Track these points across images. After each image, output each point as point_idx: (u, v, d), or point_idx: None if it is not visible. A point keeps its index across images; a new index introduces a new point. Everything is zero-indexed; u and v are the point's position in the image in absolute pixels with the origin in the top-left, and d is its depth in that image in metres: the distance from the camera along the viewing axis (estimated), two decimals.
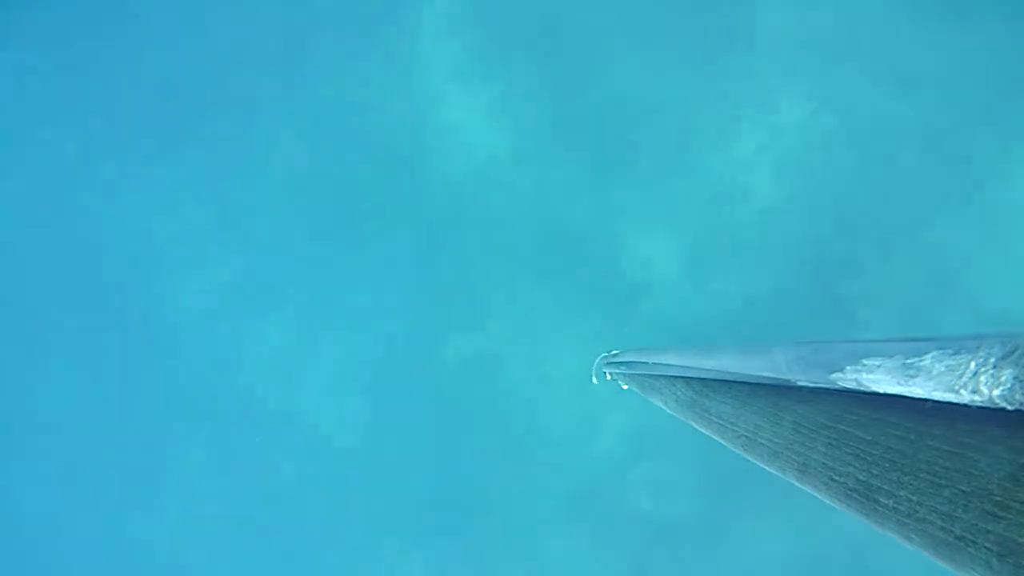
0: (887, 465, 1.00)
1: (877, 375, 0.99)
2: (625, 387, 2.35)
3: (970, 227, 9.61)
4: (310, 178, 10.38)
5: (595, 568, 9.82)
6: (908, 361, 0.94)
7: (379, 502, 10.36)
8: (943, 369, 0.87)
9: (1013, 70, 9.28)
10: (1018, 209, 9.39)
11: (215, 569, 10.54)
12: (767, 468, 1.37)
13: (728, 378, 1.48)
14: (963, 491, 0.87)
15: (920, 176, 9.68)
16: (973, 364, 0.83)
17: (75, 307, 10.50)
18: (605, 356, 2.44)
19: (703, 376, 1.64)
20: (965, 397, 0.84)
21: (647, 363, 2.06)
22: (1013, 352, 0.79)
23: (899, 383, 0.95)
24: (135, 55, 10.59)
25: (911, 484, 0.96)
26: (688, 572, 9.58)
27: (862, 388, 1.03)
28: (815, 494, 1.20)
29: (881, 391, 0.99)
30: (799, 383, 1.20)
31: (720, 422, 1.54)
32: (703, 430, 1.66)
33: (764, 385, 1.32)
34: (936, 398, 0.88)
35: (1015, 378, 0.78)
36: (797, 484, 1.26)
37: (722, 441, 1.55)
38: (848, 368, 1.05)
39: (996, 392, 0.80)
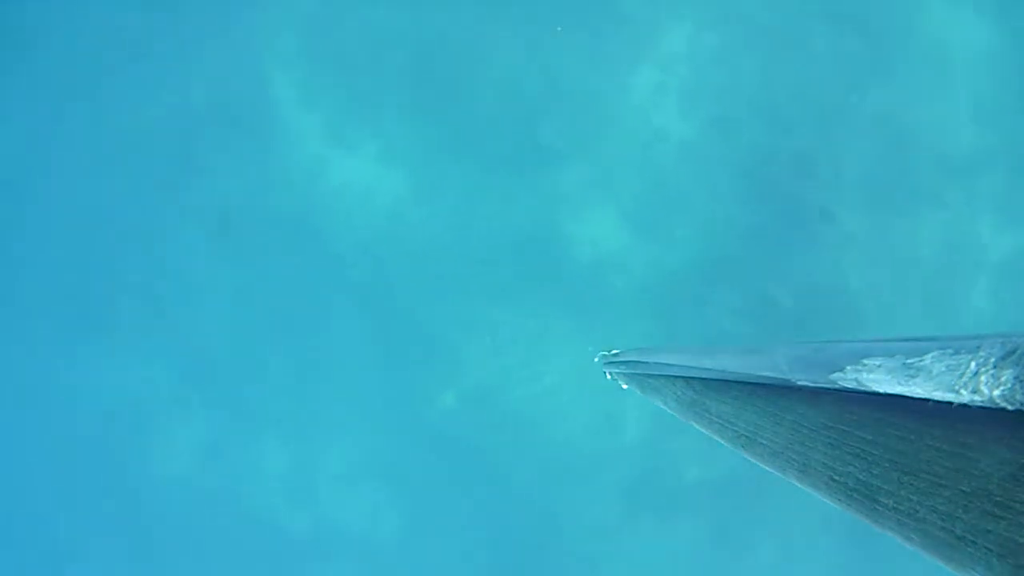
0: (887, 465, 1.03)
1: (877, 375, 1.02)
2: (625, 387, 2.40)
3: (905, 81, 9.84)
4: (244, 291, 10.44)
5: (678, 545, 10.03)
6: (908, 361, 0.96)
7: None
8: (943, 369, 0.90)
9: None
10: (942, 48, 9.64)
11: None
12: (767, 468, 1.40)
13: (728, 378, 1.51)
14: (963, 491, 0.90)
15: (837, 54, 9.87)
16: (973, 364, 0.85)
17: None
18: (605, 355, 2.48)
19: (703, 376, 1.67)
20: (965, 397, 0.86)
21: (647, 363, 2.10)
22: (1013, 352, 0.81)
23: (899, 383, 0.97)
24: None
25: (911, 484, 0.98)
26: (764, 519, 9.75)
27: (862, 388, 1.05)
28: (815, 494, 1.23)
29: (881, 391, 1.01)
30: (799, 383, 1.22)
31: (720, 422, 1.58)
32: (703, 430, 1.69)
33: (764, 385, 1.35)
34: (936, 398, 0.91)
35: (1015, 378, 0.80)
36: (798, 484, 1.29)
37: (722, 441, 1.59)
38: (848, 368, 1.08)
39: (996, 392, 0.82)
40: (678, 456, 9.99)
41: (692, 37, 10.41)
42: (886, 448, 1.03)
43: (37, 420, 10.44)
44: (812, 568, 10.09)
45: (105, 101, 10.59)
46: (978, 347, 0.86)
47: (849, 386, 1.08)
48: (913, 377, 0.95)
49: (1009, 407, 0.81)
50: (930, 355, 0.93)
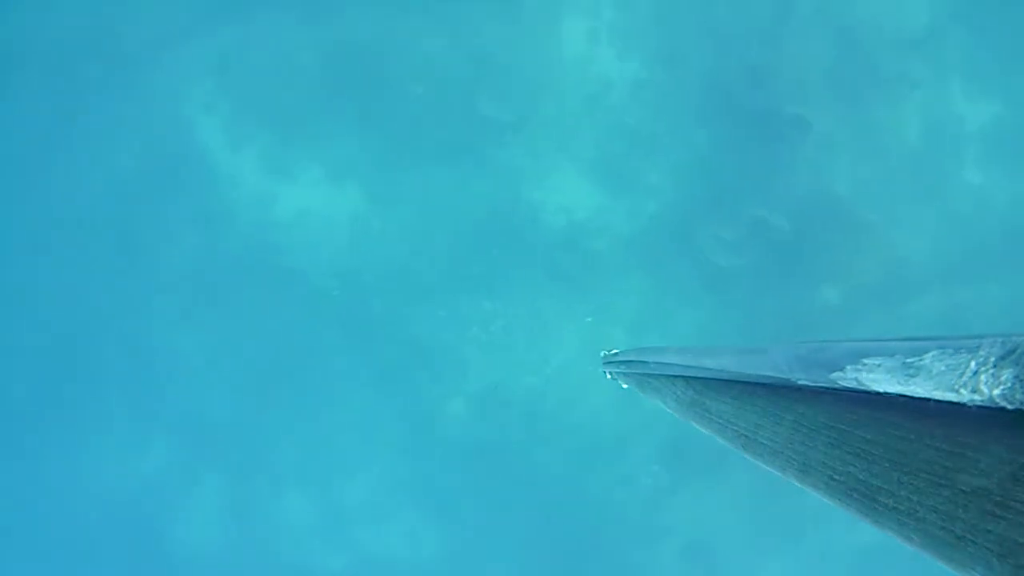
0: (887, 464, 1.05)
1: (877, 374, 1.05)
2: (625, 386, 2.43)
3: None
4: (228, 348, 10.52)
5: (733, 498, 10.26)
6: (908, 360, 0.98)
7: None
8: (943, 368, 0.92)
9: None
10: None
11: None
12: (767, 467, 1.42)
13: (728, 377, 1.54)
14: (963, 491, 0.92)
15: None
16: (973, 363, 0.87)
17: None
18: (605, 354, 2.50)
19: (703, 376, 1.71)
20: (965, 397, 0.88)
21: (647, 363, 2.14)
22: (1013, 352, 0.83)
23: (899, 383, 1.00)
24: None
25: (911, 484, 1.00)
26: None
27: (862, 387, 1.08)
28: (815, 494, 1.26)
29: (881, 390, 1.04)
30: (799, 382, 1.25)
31: (720, 421, 1.60)
32: (703, 429, 1.72)
33: (764, 385, 1.37)
34: (936, 397, 0.93)
35: (1015, 378, 0.82)
36: (798, 484, 1.31)
37: (722, 440, 1.61)
38: (848, 367, 1.10)
39: (996, 392, 0.84)
40: None
41: None
42: (886, 448, 1.05)
43: (59, 522, 10.54)
44: None
45: (41, 185, 10.60)
46: (978, 347, 0.88)
47: (849, 386, 1.10)
48: (913, 377, 0.97)
49: (1009, 407, 0.83)
50: (930, 355, 0.95)
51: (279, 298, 10.69)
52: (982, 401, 0.86)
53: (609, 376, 2.47)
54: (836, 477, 1.17)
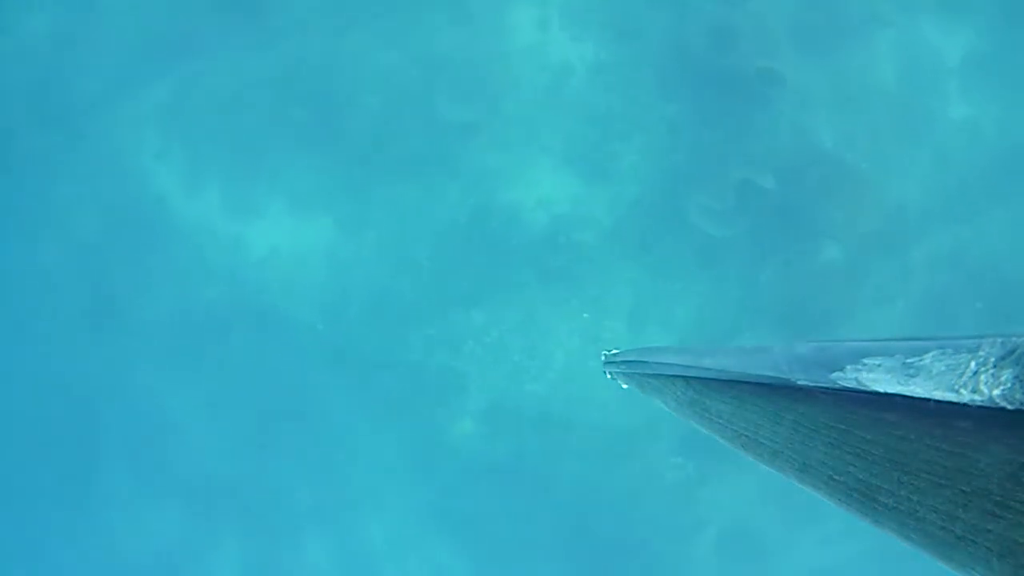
0: (887, 464, 1.08)
1: (877, 374, 1.08)
2: (625, 386, 2.47)
3: None
4: (224, 403, 10.63)
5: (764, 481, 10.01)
6: (908, 360, 1.02)
7: None
8: (943, 368, 0.95)
9: None
10: None
11: None
12: (768, 467, 1.47)
13: (728, 377, 1.57)
14: (963, 491, 0.95)
15: None
16: (973, 364, 0.91)
17: None
18: (606, 355, 2.55)
19: (703, 376, 1.74)
20: (965, 397, 0.91)
21: (646, 362, 2.18)
22: (1013, 352, 0.86)
23: (899, 382, 1.03)
24: None
25: (911, 484, 1.04)
26: None
27: (862, 387, 1.11)
28: (815, 493, 1.30)
29: (881, 390, 1.07)
30: (799, 382, 1.27)
31: (720, 421, 1.64)
32: (703, 429, 1.77)
33: (764, 385, 1.40)
34: (936, 397, 0.96)
35: (1015, 378, 0.85)
36: (798, 483, 1.36)
37: (722, 440, 1.66)
38: (848, 367, 1.13)
39: (996, 392, 0.87)
40: None
41: None
42: (886, 448, 1.08)
43: None
44: None
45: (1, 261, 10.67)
46: (978, 347, 0.91)
47: (849, 386, 1.13)
48: (913, 377, 1.00)
49: (1009, 407, 0.86)
50: (930, 354, 0.98)
51: (265, 341, 10.71)
52: (982, 401, 0.89)
53: (609, 376, 2.51)
54: (836, 477, 1.21)
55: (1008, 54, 10.24)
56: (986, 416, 0.90)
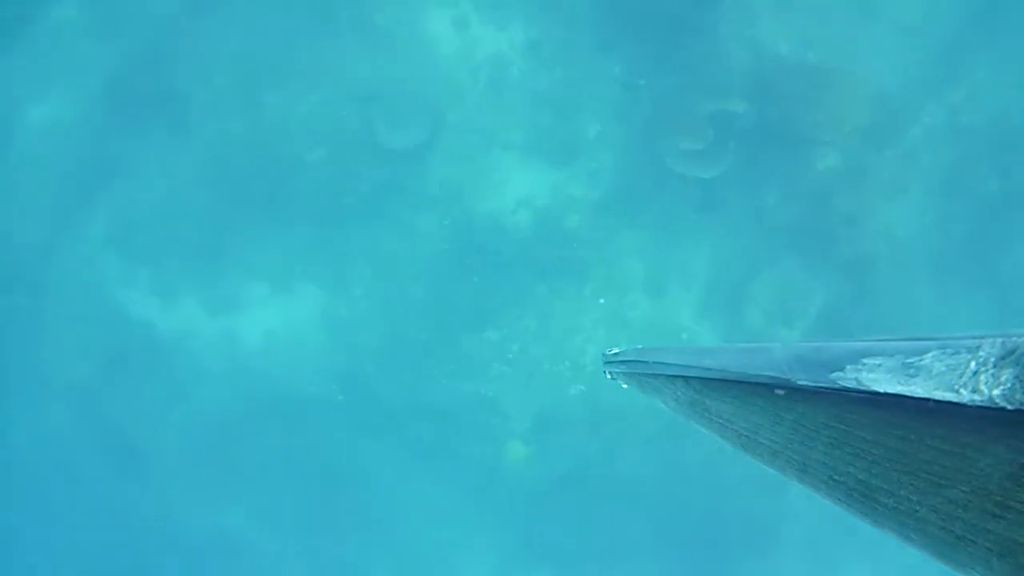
0: (887, 465, 1.11)
1: (877, 374, 1.09)
2: (625, 386, 2.55)
3: None
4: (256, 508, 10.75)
5: None
6: (908, 360, 1.04)
7: None
8: (943, 368, 0.97)
9: None
10: None
11: None
12: (768, 468, 1.50)
13: (728, 378, 1.59)
14: (963, 491, 0.97)
15: None
16: (973, 364, 0.92)
17: None
18: (605, 355, 2.58)
19: (702, 375, 1.76)
20: (965, 397, 0.93)
21: (646, 362, 2.22)
22: (1013, 352, 0.88)
23: (899, 382, 1.05)
24: None
25: (911, 484, 1.06)
26: None
27: (862, 387, 1.12)
28: (815, 493, 1.34)
29: (881, 390, 1.08)
30: (799, 382, 1.29)
31: (720, 421, 1.67)
32: (703, 429, 1.80)
33: (764, 384, 1.42)
34: (936, 397, 0.98)
35: (1015, 378, 0.86)
36: (798, 483, 1.39)
37: (722, 440, 1.69)
38: (848, 367, 1.15)
39: (996, 392, 0.89)
40: None
41: None
42: (886, 448, 1.11)
43: None
44: None
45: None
46: (978, 347, 0.92)
47: (849, 386, 1.15)
48: (913, 376, 1.02)
49: (1009, 407, 0.87)
50: (930, 354, 1.00)
51: (292, 429, 10.81)
52: (982, 401, 0.91)
53: (609, 377, 2.55)
54: (836, 477, 1.24)
55: None
56: (986, 416, 0.91)
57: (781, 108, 10.17)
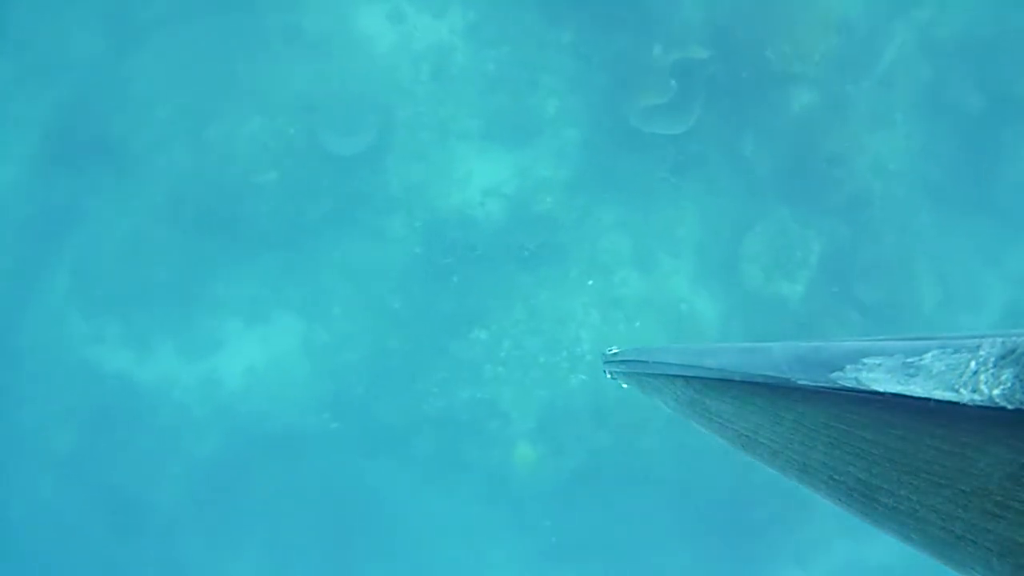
0: (887, 464, 1.15)
1: (877, 374, 1.13)
2: (625, 386, 2.64)
3: None
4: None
5: None
6: (908, 360, 1.07)
7: None
8: (943, 368, 1.00)
9: None
10: None
11: None
12: (767, 467, 1.55)
13: (728, 377, 1.65)
14: (963, 491, 1.00)
15: None
16: (973, 363, 0.96)
17: None
18: (605, 355, 2.68)
19: (702, 375, 1.82)
20: (965, 396, 0.96)
21: (646, 362, 2.28)
22: (1013, 351, 0.91)
23: (899, 382, 1.08)
24: None
25: (911, 483, 1.10)
26: None
27: (862, 387, 1.16)
28: (815, 493, 1.38)
29: (881, 390, 1.12)
30: (799, 382, 1.33)
31: (720, 421, 1.72)
32: (703, 429, 1.86)
33: (764, 384, 1.47)
34: (936, 397, 1.01)
35: (1015, 378, 0.90)
36: (798, 483, 1.44)
37: (722, 440, 1.75)
38: (848, 367, 1.19)
39: (996, 391, 0.92)
40: None
41: None
42: (886, 448, 1.15)
43: None
44: None
45: None
46: (978, 346, 0.96)
47: (849, 385, 1.19)
48: (913, 376, 1.06)
49: (1009, 406, 0.91)
50: (930, 354, 1.04)
51: (290, 464, 10.82)
52: (982, 401, 0.94)
53: (609, 376, 2.65)
54: (836, 477, 1.28)
55: None
56: (986, 416, 0.95)
57: (744, 49, 10.18)
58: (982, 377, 0.94)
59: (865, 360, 1.15)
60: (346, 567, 11.02)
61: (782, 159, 10.35)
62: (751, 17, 10.08)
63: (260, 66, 10.56)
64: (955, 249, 10.71)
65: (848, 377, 1.18)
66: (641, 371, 2.32)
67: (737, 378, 1.59)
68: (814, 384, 1.29)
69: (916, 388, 1.05)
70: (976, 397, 0.94)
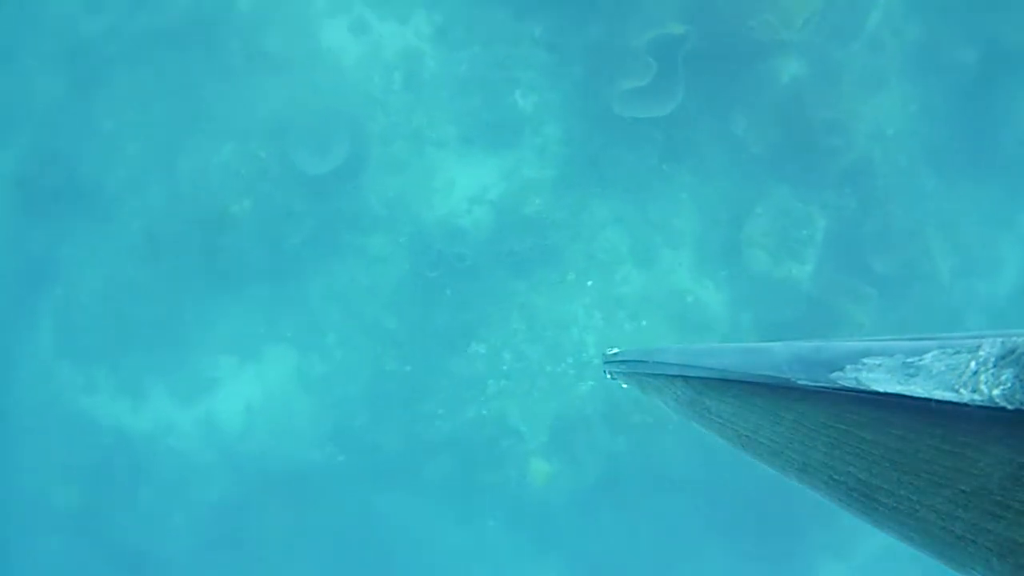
0: (887, 464, 1.19)
1: (877, 374, 1.17)
2: (625, 386, 2.74)
3: None
4: None
5: None
6: (908, 360, 1.11)
7: None
8: (943, 368, 1.04)
9: None
10: None
11: None
12: (767, 467, 1.61)
13: (728, 377, 1.70)
14: (963, 491, 1.05)
15: None
16: (973, 363, 0.99)
17: None
18: (605, 355, 2.80)
19: (703, 375, 1.88)
20: (965, 396, 1.00)
21: (646, 362, 2.36)
22: (1013, 351, 0.94)
23: (899, 382, 1.13)
24: None
25: (911, 484, 1.14)
26: None
27: (862, 387, 1.21)
28: (815, 493, 1.43)
29: (881, 390, 1.17)
30: (799, 382, 1.38)
31: (720, 421, 1.79)
32: (703, 429, 1.92)
33: (764, 384, 1.52)
34: (936, 397, 1.05)
35: (1015, 378, 0.93)
36: (798, 483, 1.49)
37: (723, 440, 1.82)
38: (848, 367, 1.24)
39: (996, 392, 0.95)
40: None
41: None
42: (886, 448, 1.19)
43: None
44: None
45: None
46: (978, 346, 0.99)
47: (849, 385, 1.24)
48: (913, 376, 1.10)
49: (1009, 406, 0.94)
50: (930, 354, 1.07)
51: (302, 504, 10.87)
52: (982, 401, 0.97)
53: (609, 377, 2.75)
54: (836, 477, 1.33)
55: None
56: (986, 416, 0.99)
57: (723, 20, 10.15)
58: (982, 377, 0.96)
59: (865, 360, 1.19)
60: None
61: (776, 135, 10.33)
62: None
63: (226, 92, 10.58)
64: (965, 212, 10.71)
65: (848, 377, 1.22)
66: (641, 371, 2.40)
67: (737, 378, 1.64)
68: (814, 384, 1.33)
69: (916, 388, 1.08)
70: (976, 397, 0.97)
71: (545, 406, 10.55)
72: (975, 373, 0.98)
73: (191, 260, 10.68)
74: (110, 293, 10.84)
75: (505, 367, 10.53)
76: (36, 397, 11.04)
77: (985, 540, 1.01)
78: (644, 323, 10.39)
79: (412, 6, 10.54)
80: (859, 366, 1.20)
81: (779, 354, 1.46)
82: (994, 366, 0.95)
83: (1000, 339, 0.96)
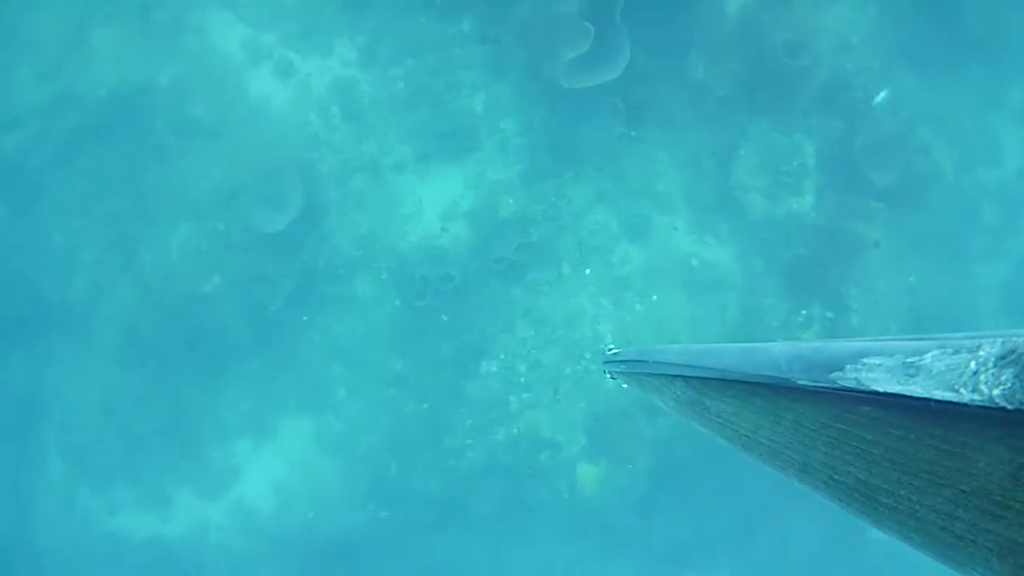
0: (887, 464, 1.24)
1: (877, 374, 1.23)
2: (625, 386, 2.87)
3: None
4: None
5: None
6: (908, 360, 1.16)
7: None
8: (943, 368, 1.09)
9: None
10: None
11: None
12: (767, 467, 1.67)
13: (728, 377, 1.77)
14: (963, 491, 1.09)
15: None
16: (973, 363, 1.04)
17: None
18: (605, 355, 2.93)
19: (702, 375, 1.95)
20: (965, 396, 1.04)
21: (646, 362, 2.46)
22: (1013, 351, 0.98)
23: (899, 382, 1.18)
24: None
25: (911, 484, 1.19)
26: None
27: (862, 387, 1.26)
28: (815, 493, 1.48)
29: (881, 390, 1.22)
30: (799, 382, 1.44)
31: (720, 421, 1.86)
32: (703, 429, 2.01)
33: (764, 384, 1.59)
34: (936, 397, 1.10)
35: (1015, 378, 0.97)
36: (798, 483, 1.55)
37: (723, 440, 1.88)
38: (848, 367, 1.29)
39: (996, 392, 0.99)
40: None
41: None
42: (886, 448, 1.24)
43: None
44: None
45: None
46: (978, 346, 1.04)
47: (849, 385, 1.29)
48: (913, 376, 1.15)
49: (1009, 406, 0.98)
50: (930, 354, 1.12)
51: (355, 569, 10.90)
52: (982, 401, 1.02)
53: (610, 377, 2.88)
54: (836, 477, 1.38)
55: None
56: (986, 416, 1.03)
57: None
58: (982, 377, 1.01)
59: (865, 360, 1.25)
60: None
61: (739, 70, 10.30)
62: None
63: (167, 173, 10.62)
64: (952, 102, 10.71)
65: (848, 377, 1.28)
66: (641, 371, 2.49)
67: (737, 378, 1.71)
68: (814, 384, 1.39)
69: (916, 388, 1.13)
70: (976, 397, 1.02)
71: (575, 409, 10.52)
72: (975, 373, 1.02)
73: (177, 352, 10.71)
74: (107, 406, 10.92)
75: (522, 379, 10.51)
76: (65, 531, 11.14)
77: (985, 540, 1.05)
78: (655, 298, 10.37)
79: (331, 35, 10.55)
80: (859, 366, 1.25)
81: (779, 354, 1.51)
82: (994, 366, 0.99)
83: (1000, 339, 1.00)
